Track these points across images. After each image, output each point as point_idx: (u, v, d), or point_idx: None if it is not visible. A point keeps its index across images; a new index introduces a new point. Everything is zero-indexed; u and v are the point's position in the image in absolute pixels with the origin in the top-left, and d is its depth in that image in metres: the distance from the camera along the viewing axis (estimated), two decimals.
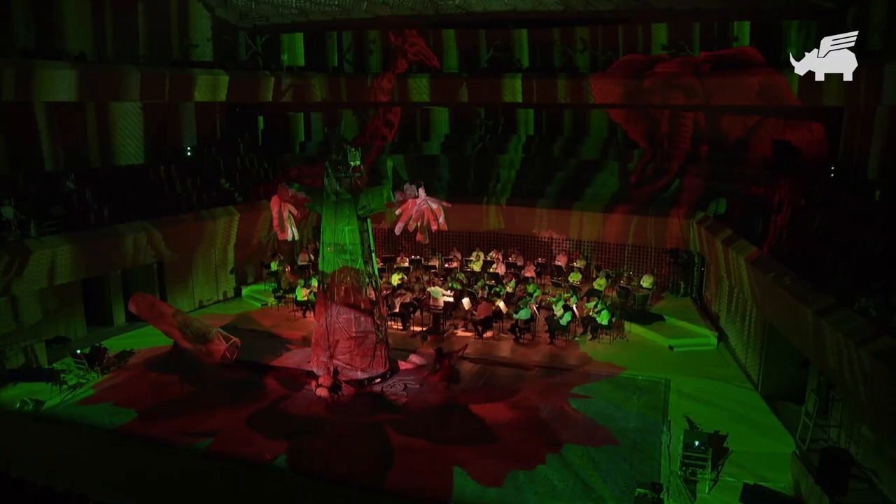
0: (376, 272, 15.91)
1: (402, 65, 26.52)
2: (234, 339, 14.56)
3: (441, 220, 14.20)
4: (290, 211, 15.32)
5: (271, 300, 21.19)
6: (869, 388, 9.65)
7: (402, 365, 16.16)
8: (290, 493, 11.29)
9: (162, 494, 11.32)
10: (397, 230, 14.45)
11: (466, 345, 16.66)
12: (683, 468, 11.31)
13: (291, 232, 15.41)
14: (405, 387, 15.00)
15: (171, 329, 14.61)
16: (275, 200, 15.62)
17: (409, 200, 14.25)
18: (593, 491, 11.01)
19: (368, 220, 15.42)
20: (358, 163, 14.85)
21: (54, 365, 15.96)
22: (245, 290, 22.45)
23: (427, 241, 15.17)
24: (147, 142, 22.90)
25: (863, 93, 15.22)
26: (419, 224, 14.21)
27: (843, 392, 11.11)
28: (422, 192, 14.10)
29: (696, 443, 11.23)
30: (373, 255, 15.59)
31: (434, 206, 14.01)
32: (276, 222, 15.47)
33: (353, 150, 14.70)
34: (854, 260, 12.27)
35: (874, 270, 11.35)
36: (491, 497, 10.91)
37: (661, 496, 10.70)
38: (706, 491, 11.03)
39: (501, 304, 18.76)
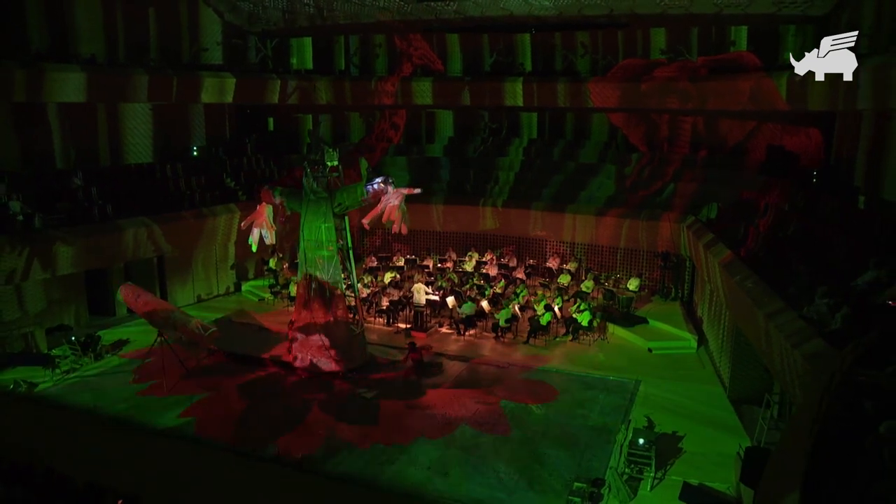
0: (353, 269, 16.38)
1: (407, 68, 27.08)
2: (213, 328, 15.18)
3: (401, 220, 14.63)
4: (270, 216, 15.93)
5: (268, 295, 21.89)
6: (802, 390, 9.69)
7: (381, 359, 16.65)
8: (283, 488, 11.57)
9: (147, 478, 11.62)
10: (365, 224, 15.09)
11: (431, 347, 16.94)
12: (630, 465, 11.47)
13: (270, 236, 15.97)
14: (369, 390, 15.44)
15: (155, 319, 15.31)
16: (261, 207, 16.22)
17: (382, 196, 14.74)
18: (537, 483, 11.27)
19: (346, 219, 15.94)
20: (336, 163, 15.38)
21: (52, 351, 16.90)
22: (245, 286, 23.19)
23: (406, 232, 15.58)
24: (156, 141, 23.76)
25: (842, 97, 15.11)
26: (388, 217, 14.74)
27: (788, 393, 11.14)
28: (389, 187, 14.52)
29: (641, 441, 11.38)
30: (350, 252, 16.08)
31: (395, 202, 14.40)
32: (254, 226, 16.11)
33: (330, 150, 15.25)
34: (815, 264, 12.26)
35: (831, 275, 11.36)
36: (436, 486, 11.25)
37: (602, 492, 10.91)
38: (648, 489, 11.17)
39: (485, 304, 19.06)
